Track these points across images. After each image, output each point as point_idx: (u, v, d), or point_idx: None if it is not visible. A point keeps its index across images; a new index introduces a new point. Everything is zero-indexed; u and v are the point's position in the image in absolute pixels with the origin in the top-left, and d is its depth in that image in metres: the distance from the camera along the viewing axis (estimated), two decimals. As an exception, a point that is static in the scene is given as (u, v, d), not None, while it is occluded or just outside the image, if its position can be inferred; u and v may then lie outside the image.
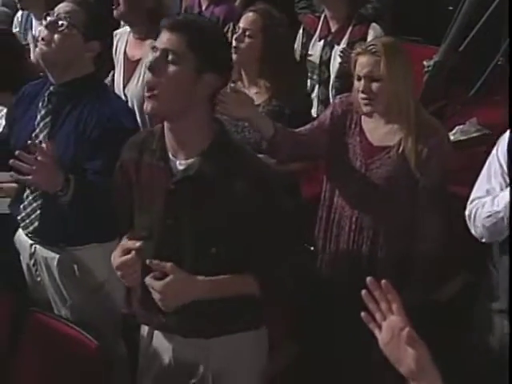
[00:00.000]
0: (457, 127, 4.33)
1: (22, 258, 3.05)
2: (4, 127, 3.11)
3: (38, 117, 2.80)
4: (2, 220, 3.10)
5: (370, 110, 2.90)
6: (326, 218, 3.09)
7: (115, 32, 3.97)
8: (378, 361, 2.78)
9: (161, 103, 2.10)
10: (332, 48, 4.21)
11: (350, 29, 4.20)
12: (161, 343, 2.45)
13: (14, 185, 3.03)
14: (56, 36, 2.71)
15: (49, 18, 2.73)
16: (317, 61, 4.23)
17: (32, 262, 2.96)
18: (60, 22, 2.70)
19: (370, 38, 4.13)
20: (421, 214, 2.90)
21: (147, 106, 2.12)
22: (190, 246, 2.24)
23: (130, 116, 2.88)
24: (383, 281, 1.72)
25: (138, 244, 2.18)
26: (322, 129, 3.04)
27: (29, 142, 2.60)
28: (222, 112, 2.79)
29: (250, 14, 3.41)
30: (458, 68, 4.64)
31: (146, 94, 2.11)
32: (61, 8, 2.74)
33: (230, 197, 2.17)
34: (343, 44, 4.17)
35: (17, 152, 2.45)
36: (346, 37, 4.18)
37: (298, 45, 4.40)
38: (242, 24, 3.40)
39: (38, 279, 2.98)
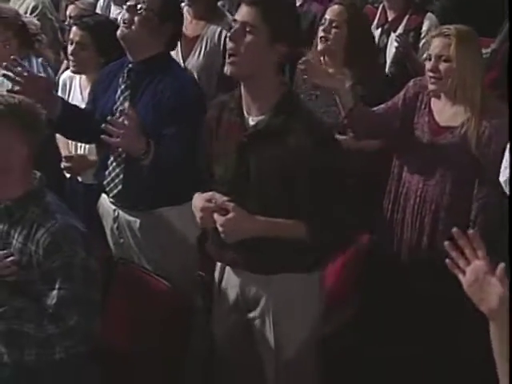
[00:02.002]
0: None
1: (104, 222, 3.30)
2: (87, 103, 3.38)
3: (119, 91, 3.08)
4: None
5: (436, 89, 3.08)
6: (394, 191, 3.28)
7: None
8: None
9: (238, 67, 2.44)
10: (388, 35, 4.43)
11: (406, 18, 4.41)
12: (231, 279, 2.76)
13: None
14: (136, 18, 2.96)
15: (129, 3, 2.98)
16: None
17: (116, 225, 3.22)
18: (139, 6, 2.96)
19: (424, 27, 4.35)
20: (480, 192, 3.04)
21: (227, 69, 2.47)
22: (256, 190, 2.54)
23: (196, 87, 3.15)
24: (471, 231, 1.87)
25: (224, 198, 2.50)
26: (394, 108, 3.23)
27: (110, 115, 2.89)
28: (313, 81, 3.16)
29: (336, 6, 3.67)
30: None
31: (228, 60, 2.45)
32: None
33: (292, 148, 2.46)
34: (399, 32, 4.37)
35: (108, 117, 2.76)
36: (402, 25, 4.41)
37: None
38: (328, 16, 3.66)
39: (121, 241, 3.23)
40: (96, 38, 3.53)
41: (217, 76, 4.04)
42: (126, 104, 3.02)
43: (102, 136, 2.77)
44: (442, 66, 3.05)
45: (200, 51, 4.08)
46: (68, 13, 4.53)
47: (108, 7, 5.09)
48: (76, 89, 3.72)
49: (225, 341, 2.87)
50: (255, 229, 2.52)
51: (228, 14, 4.39)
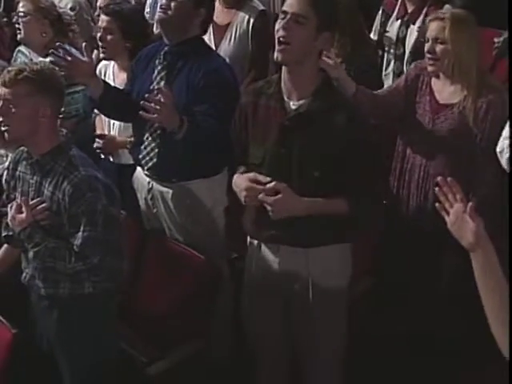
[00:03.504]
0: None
1: (139, 195, 3.55)
2: (126, 84, 3.63)
3: (156, 72, 3.33)
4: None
5: (434, 70, 3.29)
6: (399, 167, 3.49)
7: None
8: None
9: (289, 54, 2.65)
10: (408, 27, 4.56)
11: (424, 10, 4.53)
12: (268, 256, 2.92)
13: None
14: (172, 4, 3.20)
15: None
16: (393, 38, 4.60)
17: (150, 196, 3.47)
18: None
19: (442, 19, 4.58)
20: (478, 164, 3.22)
21: (278, 56, 2.66)
22: (297, 170, 2.73)
23: (229, 69, 3.38)
24: (449, 178, 2.11)
25: (268, 179, 2.68)
26: (398, 90, 3.47)
27: (147, 94, 3.10)
28: None
29: None
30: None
31: (278, 47, 2.65)
32: None
33: (331, 130, 2.68)
34: (418, 23, 4.50)
35: (146, 95, 2.98)
36: (421, 17, 4.50)
37: (377, 24, 4.79)
38: None
39: (154, 210, 3.49)
40: (121, 22, 3.76)
41: (247, 61, 4.26)
42: (162, 83, 3.24)
43: (141, 112, 2.99)
44: (438, 48, 3.25)
45: (231, 38, 4.30)
46: (98, 4, 4.74)
47: (157, 2, 5.26)
48: (110, 76, 3.94)
49: (258, 320, 3.03)
50: (302, 208, 2.71)
51: (256, 1, 4.60)
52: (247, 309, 3.09)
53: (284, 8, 2.69)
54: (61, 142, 2.81)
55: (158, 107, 2.94)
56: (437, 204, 2.11)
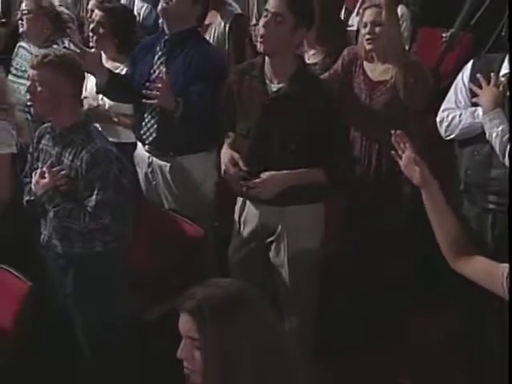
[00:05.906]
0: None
1: (139, 170, 3.88)
2: (127, 70, 4.00)
3: (156, 57, 3.71)
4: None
5: (372, 48, 3.72)
6: None
7: None
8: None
9: (268, 46, 3.03)
10: None
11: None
12: (251, 212, 3.32)
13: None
14: None
15: None
16: (354, 31, 5.13)
17: (150, 170, 3.82)
18: None
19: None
20: (411, 129, 3.45)
21: (260, 47, 3.05)
22: (277, 143, 3.10)
23: (219, 55, 3.80)
24: (398, 131, 2.50)
25: (244, 168, 3.14)
26: (336, 73, 3.90)
27: (148, 75, 3.58)
28: None
29: None
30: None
31: (260, 41, 3.04)
32: None
33: (306, 109, 3.05)
34: None
35: (147, 84, 3.42)
36: None
37: (341, 19, 5.37)
38: None
39: (154, 183, 3.83)
40: (111, 18, 4.19)
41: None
42: (162, 67, 3.64)
43: (144, 100, 3.43)
44: (377, 29, 3.71)
45: (209, 38, 4.71)
46: (89, 7, 5.15)
47: (132, 1, 5.69)
48: None
49: (241, 265, 3.41)
50: (284, 182, 3.12)
51: (234, 4, 5.08)
52: (233, 258, 3.46)
53: (266, 6, 3.07)
54: (81, 120, 3.18)
55: (157, 93, 3.37)
56: (392, 151, 2.53)
